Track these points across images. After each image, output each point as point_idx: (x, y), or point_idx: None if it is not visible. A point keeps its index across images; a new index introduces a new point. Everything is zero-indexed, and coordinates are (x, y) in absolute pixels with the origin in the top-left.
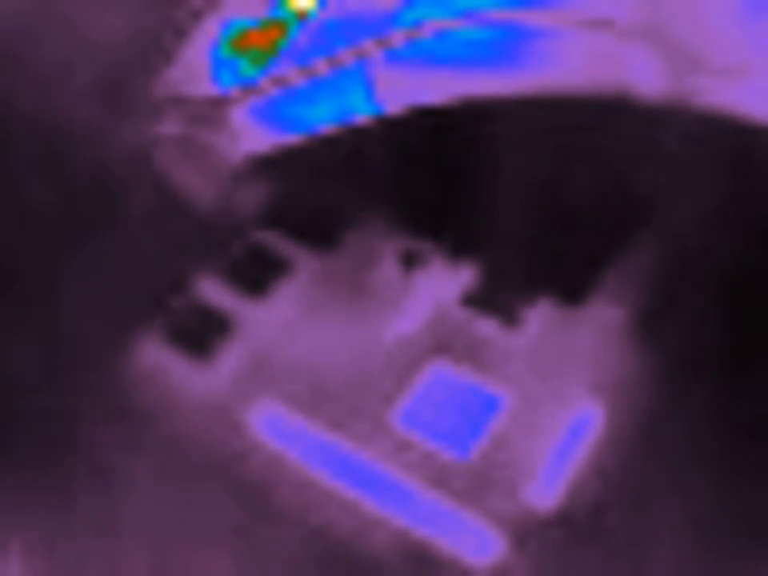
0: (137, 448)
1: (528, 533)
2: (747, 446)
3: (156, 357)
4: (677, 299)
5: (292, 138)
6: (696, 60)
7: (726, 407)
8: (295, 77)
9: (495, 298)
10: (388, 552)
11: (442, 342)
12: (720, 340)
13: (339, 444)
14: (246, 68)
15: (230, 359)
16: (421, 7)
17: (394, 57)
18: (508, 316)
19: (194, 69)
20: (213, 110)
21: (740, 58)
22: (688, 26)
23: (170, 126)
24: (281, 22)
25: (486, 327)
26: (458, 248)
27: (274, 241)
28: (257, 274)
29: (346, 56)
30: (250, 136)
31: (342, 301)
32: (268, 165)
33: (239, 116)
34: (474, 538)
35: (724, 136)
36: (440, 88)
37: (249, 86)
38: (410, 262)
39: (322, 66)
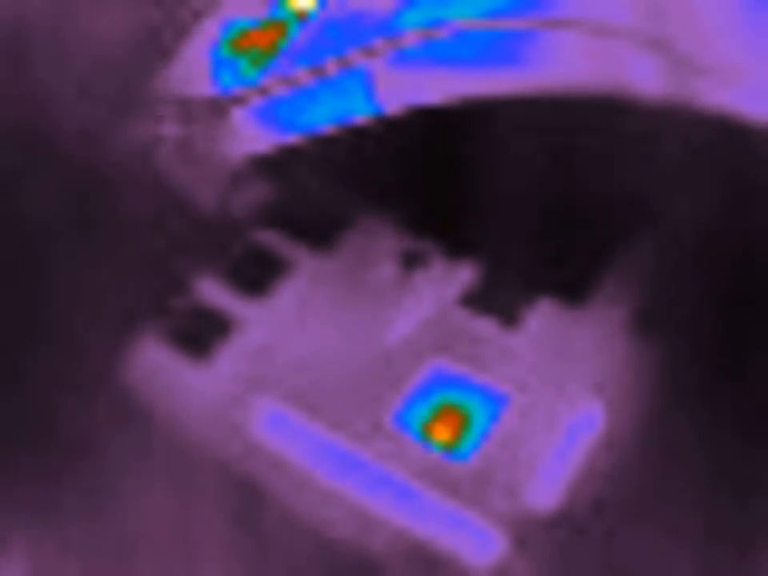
0: (136, 448)
1: (528, 533)
2: (748, 445)
3: (156, 357)
4: (677, 299)
5: (292, 138)
6: (695, 61)
7: (726, 407)
8: (295, 77)
9: (495, 298)
10: (388, 552)
11: (442, 342)
12: (721, 340)
13: (339, 444)
14: (246, 68)
15: (229, 359)
16: (421, 7)
17: (394, 57)
18: (508, 315)
19: (193, 69)
20: (213, 110)
21: (739, 58)
22: (688, 27)
23: (169, 126)
24: (281, 22)
25: (486, 327)
26: (458, 248)
27: (274, 241)
28: (257, 274)
29: (347, 56)
30: (250, 136)
31: (342, 301)
32: (268, 165)
33: (239, 116)
34: (474, 538)
35: (723, 136)
36: (440, 88)
37: (249, 86)
38: (409, 261)
39: (322, 66)
